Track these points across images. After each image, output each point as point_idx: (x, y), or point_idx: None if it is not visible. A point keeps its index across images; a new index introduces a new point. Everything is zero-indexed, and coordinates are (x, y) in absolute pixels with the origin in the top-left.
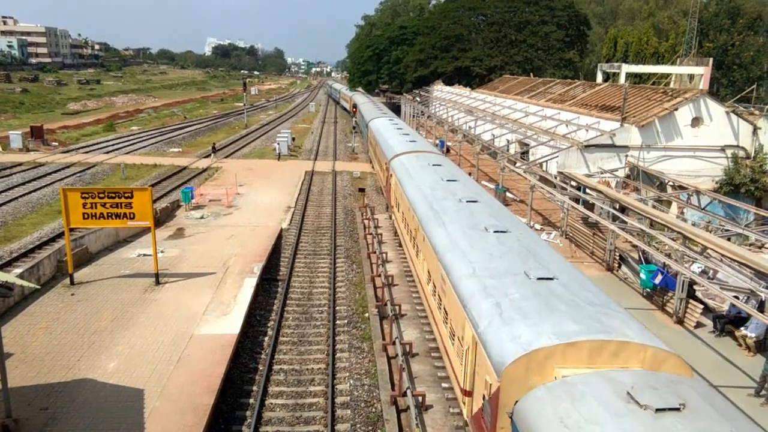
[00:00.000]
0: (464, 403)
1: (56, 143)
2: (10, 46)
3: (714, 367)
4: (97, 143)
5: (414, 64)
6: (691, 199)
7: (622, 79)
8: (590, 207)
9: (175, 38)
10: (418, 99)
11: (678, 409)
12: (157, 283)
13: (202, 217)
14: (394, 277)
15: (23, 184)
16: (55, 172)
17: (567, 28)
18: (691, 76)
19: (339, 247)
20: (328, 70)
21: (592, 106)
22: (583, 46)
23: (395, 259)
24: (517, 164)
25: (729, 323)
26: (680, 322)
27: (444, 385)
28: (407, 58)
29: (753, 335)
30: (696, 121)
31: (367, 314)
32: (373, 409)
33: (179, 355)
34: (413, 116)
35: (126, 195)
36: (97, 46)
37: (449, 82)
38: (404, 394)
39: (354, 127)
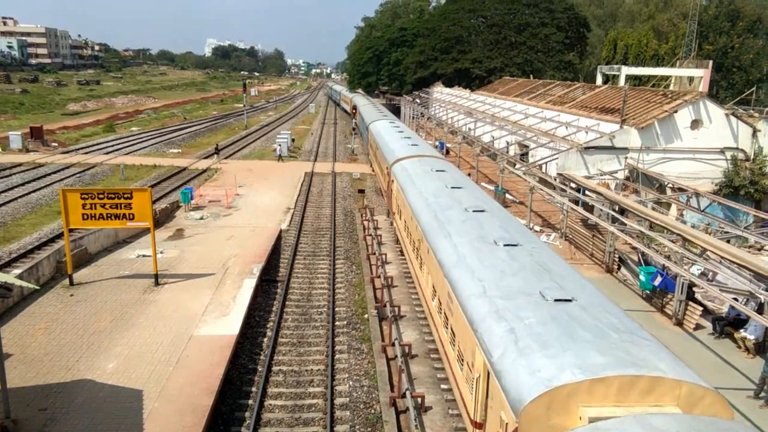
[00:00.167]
0: None
1: (56, 144)
2: (9, 47)
3: (713, 369)
4: (97, 144)
5: (414, 65)
6: (691, 201)
7: (621, 82)
8: (590, 209)
9: (175, 39)
10: (417, 101)
11: None
12: (157, 284)
13: (201, 218)
14: (393, 278)
15: (23, 184)
16: (54, 172)
17: (567, 31)
18: (691, 79)
19: (338, 248)
20: (328, 71)
21: (591, 108)
22: (582, 48)
23: (395, 261)
24: (517, 166)
25: (728, 325)
26: (679, 324)
27: (443, 386)
28: (407, 59)
29: (752, 337)
30: (695, 124)
31: (366, 315)
32: (373, 411)
33: (178, 355)
34: (413, 118)
35: (125, 196)
36: (97, 47)
37: (449, 84)
38: (403, 396)
39: (354, 129)
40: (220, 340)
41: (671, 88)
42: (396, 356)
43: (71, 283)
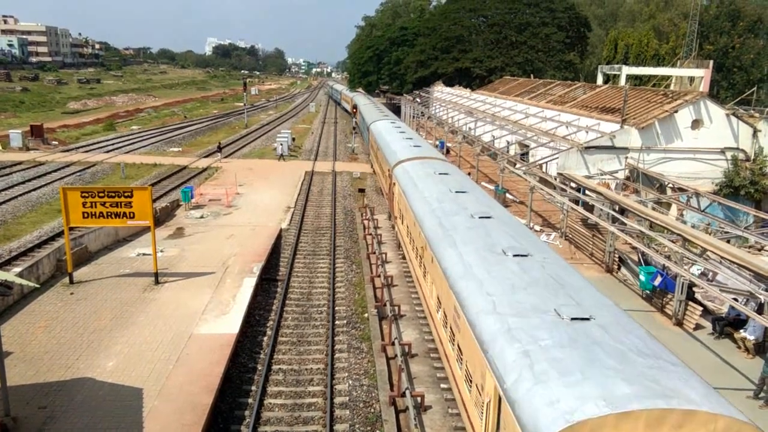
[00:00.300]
0: None
1: (56, 142)
2: (10, 45)
3: (713, 369)
4: (97, 142)
5: (414, 65)
6: (691, 201)
7: (622, 81)
8: (590, 208)
9: (175, 38)
10: (418, 100)
11: None
12: (157, 282)
13: (201, 217)
14: (393, 277)
15: (23, 182)
16: (54, 171)
17: (567, 30)
18: (692, 79)
19: (338, 247)
20: (329, 70)
21: (592, 108)
22: (583, 47)
23: (395, 260)
24: (517, 165)
25: (728, 325)
26: (679, 324)
27: (443, 386)
28: (407, 59)
29: (752, 337)
30: (696, 124)
31: (366, 315)
32: (372, 410)
33: (178, 354)
34: (413, 117)
35: (126, 194)
36: (97, 46)
37: (449, 83)
38: (403, 395)
39: (354, 128)
40: (220, 338)
41: (672, 88)
42: (396, 355)
43: (71, 282)
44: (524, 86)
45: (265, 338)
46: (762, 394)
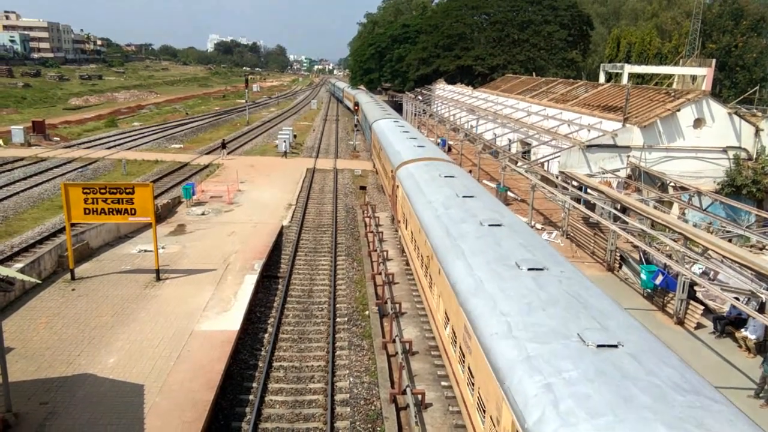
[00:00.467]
0: None
1: (58, 138)
2: (12, 41)
3: (714, 368)
4: (99, 139)
5: (416, 62)
6: (693, 200)
7: (624, 80)
8: (591, 207)
9: (177, 34)
10: (420, 97)
11: None
12: (158, 279)
13: (203, 214)
14: (394, 275)
15: (25, 178)
16: (56, 167)
17: (570, 28)
18: (694, 77)
19: (340, 244)
20: (331, 67)
21: (594, 106)
22: (585, 46)
23: (396, 257)
24: (519, 164)
25: (729, 324)
26: (680, 323)
27: (443, 383)
28: (410, 56)
29: (753, 337)
30: (698, 122)
31: (367, 312)
32: (373, 407)
33: (179, 351)
34: (415, 115)
35: (127, 191)
36: (99, 42)
37: (451, 81)
38: (404, 392)
39: (356, 125)
40: (221, 335)
41: (674, 86)
42: (396, 353)
43: (73, 278)
44: (526, 84)
45: (266, 335)
46: (763, 394)
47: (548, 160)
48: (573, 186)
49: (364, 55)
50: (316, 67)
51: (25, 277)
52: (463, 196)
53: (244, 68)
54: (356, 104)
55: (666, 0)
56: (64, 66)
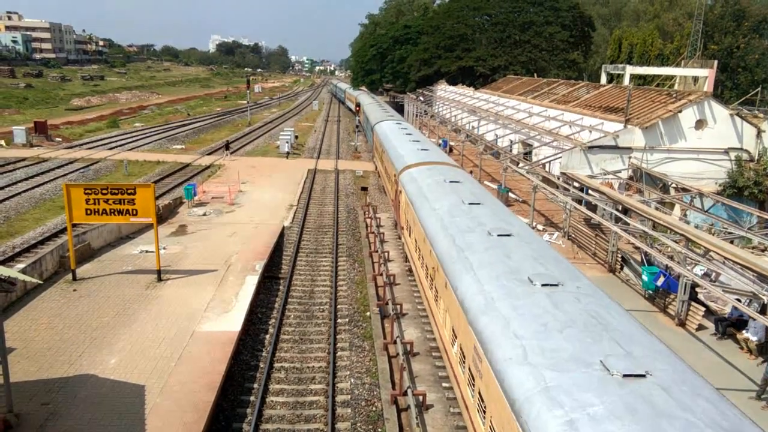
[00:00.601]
0: None
1: (60, 139)
2: (14, 42)
3: (716, 370)
4: (101, 139)
5: (418, 63)
6: (694, 202)
7: (626, 81)
8: (593, 208)
9: (179, 35)
10: (421, 98)
11: None
12: (159, 279)
13: (204, 214)
14: (395, 276)
15: (26, 179)
16: (58, 167)
17: (571, 29)
18: (696, 79)
19: (341, 245)
20: (332, 68)
21: (595, 108)
22: (587, 47)
23: (397, 258)
24: (520, 165)
25: (731, 326)
26: (682, 324)
27: (444, 384)
28: (411, 57)
29: (755, 338)
30: (700, 124)
31: (368, 313)
32: (374, 408)
33: (180, 351)
34: (416, 116)
35: (129, 191)
36: (101, 43)
37: (453, 82)
38: (405, 393)
39: (357, 126)
40: (222, 336)
41: (676, 87)
42: (398, 354)
43: (74, 278)
44: (528, 85)
45: (267, 336)
46: (764, 395)
47: (549, 161)
48: (574, 187)
49: (365, 56)
50: (317, 68)
51: (27, 278)
52: (470, 203)
53: (246, 69)
54: (358, 105)
55: (668, 1)
56: (66, 67)
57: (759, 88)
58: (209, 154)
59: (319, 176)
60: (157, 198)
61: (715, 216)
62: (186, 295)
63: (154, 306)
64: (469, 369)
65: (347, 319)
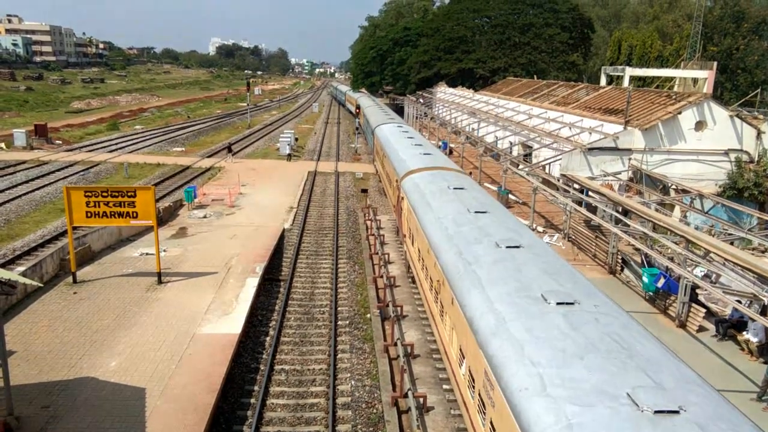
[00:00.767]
0: None
1: (60, 142)
2: (14, 45)
3: (716, 371)
4: (101, 142)
5: (417, 65)
6: (694, 203)
7: (625, 82)
8: (593, 210)
9: (179, 38)
10: (421, 100)
11: None
12: (160, 282)
13: (204, 217)
14: (395, 278)
15: (27, 182)
16: (58, 170)
17: (571, 31)
18: (695, 80)
19: (341, 247)
20: (332, 71)
21: (595, 109)
22: (587, 48)
23: (397, 261)
24: (520, 166)
25: (731, 327)
26: (682, 325)
27: (445, 387)
28: (411, 59)
29: (755, 339)
30: (699, 125)
31: (368, 315)
32: (374, 410)
33: (181, 354)
34: (416, 118)
35: (129, 194)
36: (101, 45)
37: (453, 84)
38: (405, 396)
39: (357, 128)
40: (222, 338)
41: (675, 89)
42: (398, 356)
43: (74, 281)
44: (527, 87)
45: (268, 338)
46: (765, 397)
47: (549, 163)
48: (574, 189)
49: (365, 58)
50: (317, 70)
51: (27, 281)
52: (476, 212)
53: (246, 71)
54: (358, 107)
55: (667, 3)
56: (67, 69)
57: (758, 90)
58: (209, 156)
59: (320, 178)
60: (157, 200)
61: (715, 217)
62: (186, 298)
63: (155, 308)
64: (479, 395)
65: (348, 322)
